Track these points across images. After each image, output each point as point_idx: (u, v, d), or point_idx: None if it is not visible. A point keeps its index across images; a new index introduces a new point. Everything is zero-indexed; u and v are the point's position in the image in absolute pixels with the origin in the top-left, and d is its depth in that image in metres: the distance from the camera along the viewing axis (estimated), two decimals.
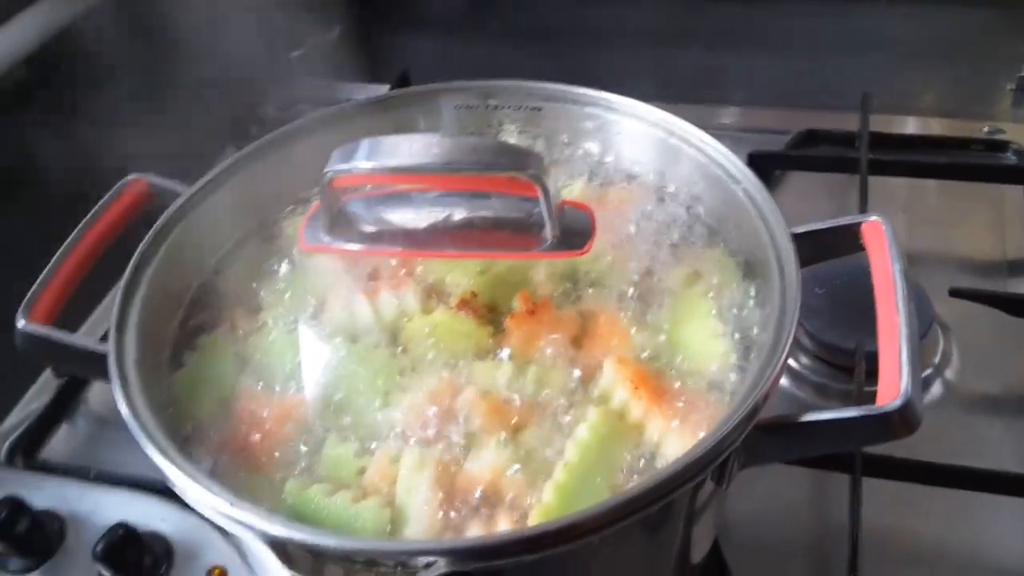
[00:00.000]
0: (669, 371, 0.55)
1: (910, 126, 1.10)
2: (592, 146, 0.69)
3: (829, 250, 0.59)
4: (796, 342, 0.70)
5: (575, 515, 0.44)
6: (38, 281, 0.58)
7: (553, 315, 0.57)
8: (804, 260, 0.55)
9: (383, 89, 1.05)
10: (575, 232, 0.55)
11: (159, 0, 0.98)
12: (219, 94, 1.08)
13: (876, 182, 0.95)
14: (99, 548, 0.66)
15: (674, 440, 0.51)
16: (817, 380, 0.80)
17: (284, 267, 0.62)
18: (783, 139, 1.06)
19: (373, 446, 0.53)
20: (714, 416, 0.52)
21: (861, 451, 0.70)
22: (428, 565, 0.44)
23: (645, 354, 0.56)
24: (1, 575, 0.70)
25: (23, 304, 0.56)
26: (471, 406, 0.53)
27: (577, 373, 0.55)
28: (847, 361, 0.78)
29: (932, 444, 0.70)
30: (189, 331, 0.60)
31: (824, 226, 0.58)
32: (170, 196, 0.64)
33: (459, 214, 0.57)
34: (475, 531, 0.49)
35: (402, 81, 1.13)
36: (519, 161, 0.53)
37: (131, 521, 0.68)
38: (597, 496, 0.49)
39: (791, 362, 0.81)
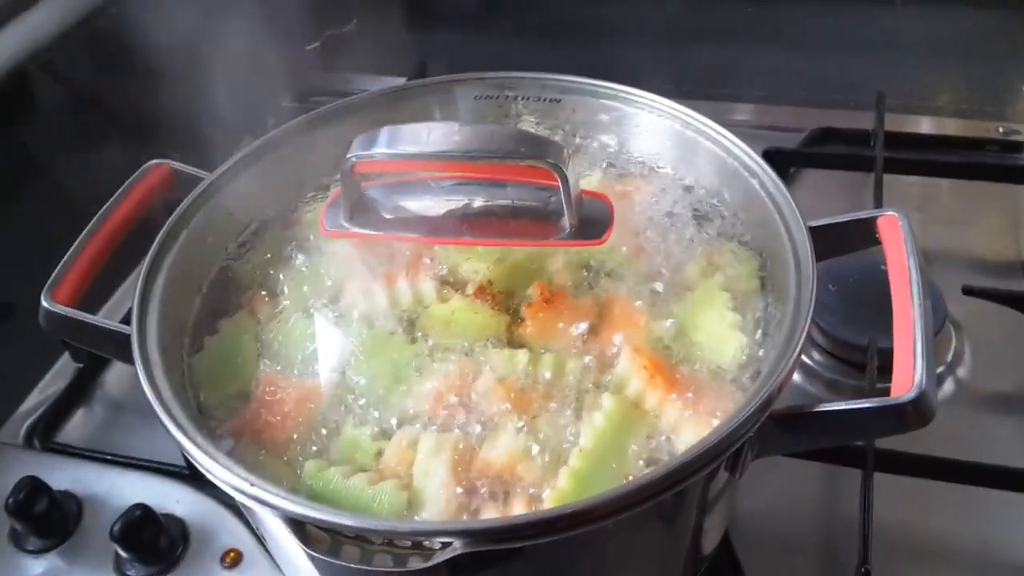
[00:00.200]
0: (684, 361, 0.56)
1: (925, 126, 1.10)
2: (610, 138, 0.69)
3: (844, 244, 0.59)
4: (809, 338, 0.70)
5: (590, 499, 0.45)
6: (62, 262, 0.59)
7: (569, 304, 0.58)
8: (819, 254, 0.55)
9: (399, 82, 1.06)
10: (593, 222, 0.56)
11: None
12: (237, 86, 1.09)
13: (890, 181, 0.95)
14: (116, 528, 0.66)
15: (689, 428, 0.52)
16: (829, 376, 0.81)
17: (303, 253, 0.63)
18: (797, 137, 1.06)
19: (390, 430, 0.53)
20: (729, 406, 0.53)
21: (873, 446, 0.70)
22: (444, 546, 0.44)
23: (661, 343, 0.56)
24: (19, 555, 0.71)
25: (47, 285, 0.57)
26: (487, 392, 0.54)
27: (593, 361, 0.56)
28: (859, 357, 0.79)
29: (943, 441, 0.70)
30: (209, 314, 0.61)
31: (840, 220, 0.58)
32: (191, 182, 0.65)
33: (477, 202, 0.58)
34: (490, 515, 0.50)
35: (419, 74, 1.13)
36: (539, 150, 0.53)
37: (147, 503, 0.69)
38: (612, 482, 0.49)
39: (803, 358, 0.81)
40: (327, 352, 0.57)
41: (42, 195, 0.99)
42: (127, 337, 0.54)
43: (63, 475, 0.75)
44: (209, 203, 0.63)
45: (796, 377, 0.81)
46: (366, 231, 0.58)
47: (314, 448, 0.54)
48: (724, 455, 0.47)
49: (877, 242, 0.58)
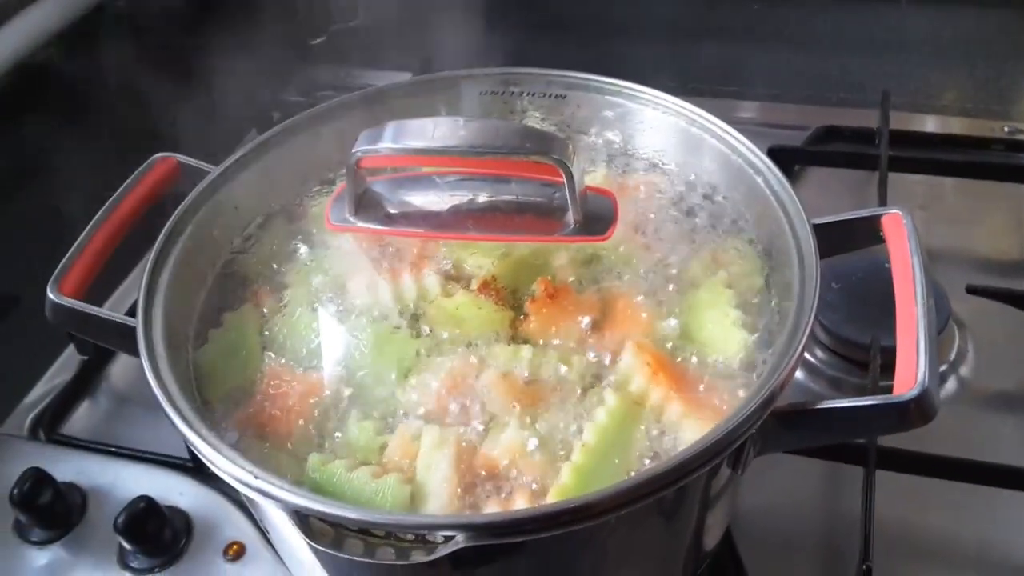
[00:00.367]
0: (688, 357, 0.56)
1: (929, 124, 1.10)
2: (614, 134, 0.69)
3: (849, 242, 0.59)
4: (812, 336, 0.71)
5: (593, 494, 0.45)
6: (68, 254, 0.59)
7: (573, 300, 0.58)
8: (823, 251, 0.55)
9: (404, 78, 1.06)
10: (598, 218, 0.56)
11: None
12: (243, 80, 1.10)
13: (894, 179, 0.95)
14: (120, 520, 0.67)
15: (691, 425, 0.52)
16: (832, 374, 0.81)
17: (308, 247, 0.63)
18: (802, 135, 1.07)
19: (394, 424, 0.54)
20: (731, 402, 0.53)
21: (875, 444, 0.70)
22: (447, 539, 0.44)
23: (664, 340, 0.56)
24: (24, 546, 0.72)
25: (53, 276, 0.58)
26: (491, 387, 0.54)
27: (596, 357, 0.56)
28: (862, 355, 0.79)
29: (945, 439, 0.70)
30: (214, 308, 0.61)
31: (844, 217, 0.58)
32: (197, 175, 0.65)
33: (482, 197, 0.58)
34: (492, 509, 0.50)
35: (424, 70, 1.13)
36: (544, 145, 0.53)
37: (151, 495, 0.69)
38: (614, 478, 0.50)
39: (806, 356, 0.81)
40: (331, 346, 0.57)
41: (46, 189, 1.00)
42: (133, 329, 0.55)
43: (67, 467, 0.76)
44: (215, 196, 0.63)
45: (799, 375, 0.81)
46: (371, 226, 0.58)
47: (318, 441, 0.54)
48: (726, 452, 0.48)
49: (881, 240, 0.59)
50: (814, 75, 1.17)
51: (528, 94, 0.71)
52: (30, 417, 0.84)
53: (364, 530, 0.47)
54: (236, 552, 0.69)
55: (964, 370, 0.81)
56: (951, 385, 0.80)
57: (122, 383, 0.88)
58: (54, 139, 1.03)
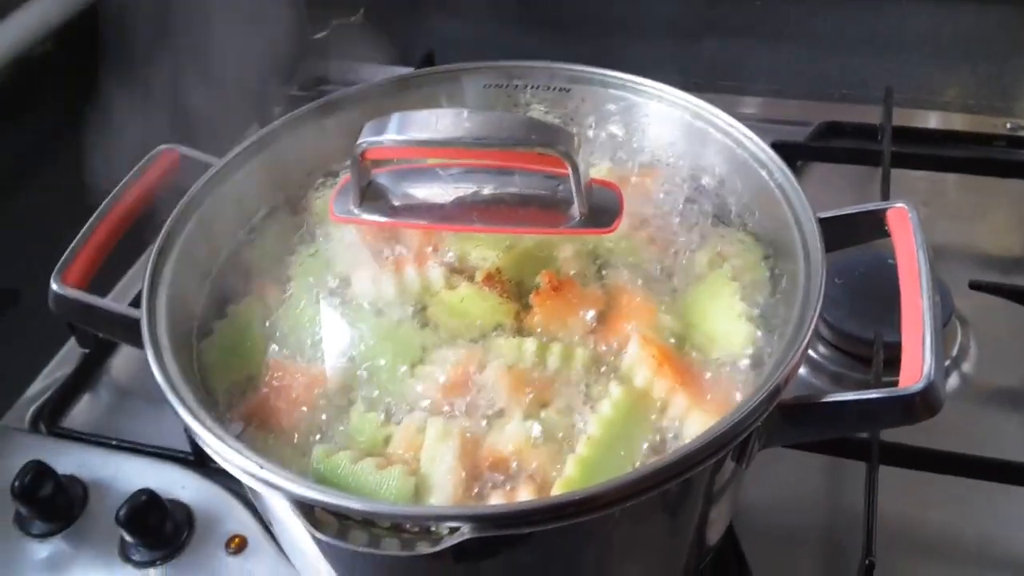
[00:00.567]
0: (692, 351, 0.56)
1: (932, 121, 1.10)
2: (619, 128, 0.69)
3: (854, 235, 0.59)
4: (814, 331, 0.71)
5: (599, 486, 0.45)
6: (72, 245, 0.59)
7: (578, 293, 0.58)
8: (828, 245, 0.55)
9: (407, 72, 1.06)
10: (603, 210, 0.56)
11: None
12: (244, 75, 1.09)
13: (897, 175, 0.95)
14: (122, 513, 0.67)
15: (696, 417, 0.52)
16: (834, 369, 0.81)
17: (312, 239, 0.63)
18: (804, 131, 1.07)
19: (398, 416, 0.53)
20: (736, 396, 0.53)
21: (878, 439, 0.70)
22: (452, 531, 0.44)
23: (669, 333, 0.56)
24: (24, 538, 0.72)
25: (57, 268, 0.57)
26: (495, 379, 0.54)
27: (601, 350, 0.56)
28: (865, 351, 0.79)
29: (948, 435, 0.70)
30: (218, 300, 0.61)
31: (849, 211, 0.58)
32: (200, 167, 0.65)
33: (487, 190, 0.58)
34: (497, 501, 0.50)
35: (426, 65, 1.13)
36: (550, 137, 0.53)
37: (153, 488, 0.69)
38: (619, 470, 0.50)
39: (809, 351, 0.81)
40: (335, 338, 0.57)
41: (47, 182, 0.99)
42: (136, 321, 0.54)
43: (68, 460, 0.76)
44: (219, 188, 0.63)
45: (800, 370, 0.80)
46: (376, 218, 0.58)
47: (322, 433, 0.54)
48: (731, 445, 0.48)
49: (886, 234, 0.58)
50: (815, 72, 1.16)
51: (532, 87, 0.71)
52: (31, 410, 0.84)
53: (369, 521, 0.47)
54: (238, 545, 0.69)
55: (966, 366, 0.81)
56: (953, 381, 0.80)
57: (123, 376, 0.88)
58: (53, 133, 1.03)
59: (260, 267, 0.62)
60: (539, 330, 0.57)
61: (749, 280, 0.58)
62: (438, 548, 0.44)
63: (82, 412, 0.84)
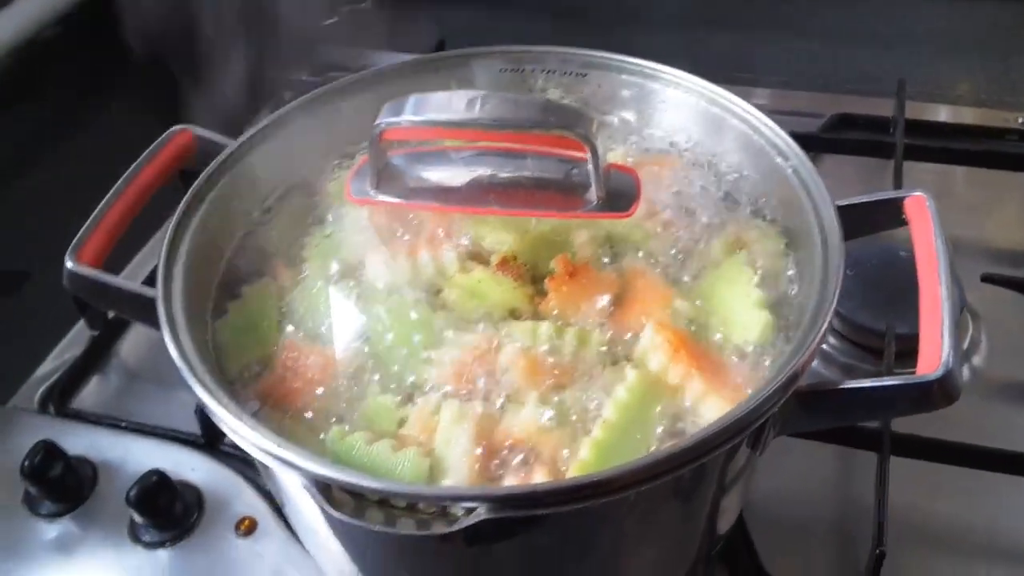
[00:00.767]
0: (708, 336, 0.55)
1: (943, 114, 1.09)
2: (635, 113, 0.69)
3: (870, 224, 0.59)
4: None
5: (615, 468, 0.45)
6: (86, 224, 0.59)
7: (593, 278, 0.58)
8: (845, 234, 0.55)
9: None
10: (620, 194, 0.56)
11: None
12: (254, 60, 1.09)
13: (908, 168, 0.95)
14: (133, 493, 0.67)
15: (712, 403, 0.52)
16: (845, 361, 0.81)
17: (327, 221, 0.63)
18: (816, 122, 1.06)
19: (413, 398, 0.53)
20: (752, 381, 0.53)
21: (889, 429, 0.70)
22: (468, 512, 0.44)
23: (685, 319, 0.56)
24: (33, 518, 0.72)
25: (71, 246, 0.57)
26: (510, 363, 0.54)
27: (616, 335, 0.56)
28: (876, 342, 0.79)
29: (958, 428, 0.70)
30: (233, 280, 0.60)
31: (868, 199, 0.58)
32: (214, 148, 0.65)
33: (503, 173, 0.57)
34: (512, 483, 0.50)
35: (437, 51, 1.13)
36: (569, 120, 0.53)
37: (163, 470, 0.69)
38: (634, 454, 0.49)
39: None
40: (351, 320, 0.57)
41: (56, 164, 0.99)
42: (151, 300, 0.54)
43: (78, 440, 0.76)
44: (233, 169, 0.63)
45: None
46: (392, 199, 0.58)
47: (336, 415, 0.54)
48: (748, 430, 0.47)
49: (903, 223, 0.58)
50: (828, 64, 1.16)
51: (547, 71, 0.70)
52: (40, 391, 0.84)
53: (385, 501, 0.46)
54: (248, 527, 0.69)
55: (977, 359, 0.81)
56: (964, 374, 0.80)
57: (132, 359, 0.88)
58: (62, 116, 1.03)
59: (275, 248, 0.62)
60: (554, 315, 0.57)
61: (766, 267, 0.58)
62: (454, 528, 0.44)
63: (91, 394, 0.85)
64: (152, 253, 0.96)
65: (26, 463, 0.70)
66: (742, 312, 0.56)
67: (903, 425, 0.71)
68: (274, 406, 0.54)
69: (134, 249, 0.97)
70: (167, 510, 0.68)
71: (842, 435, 0.72)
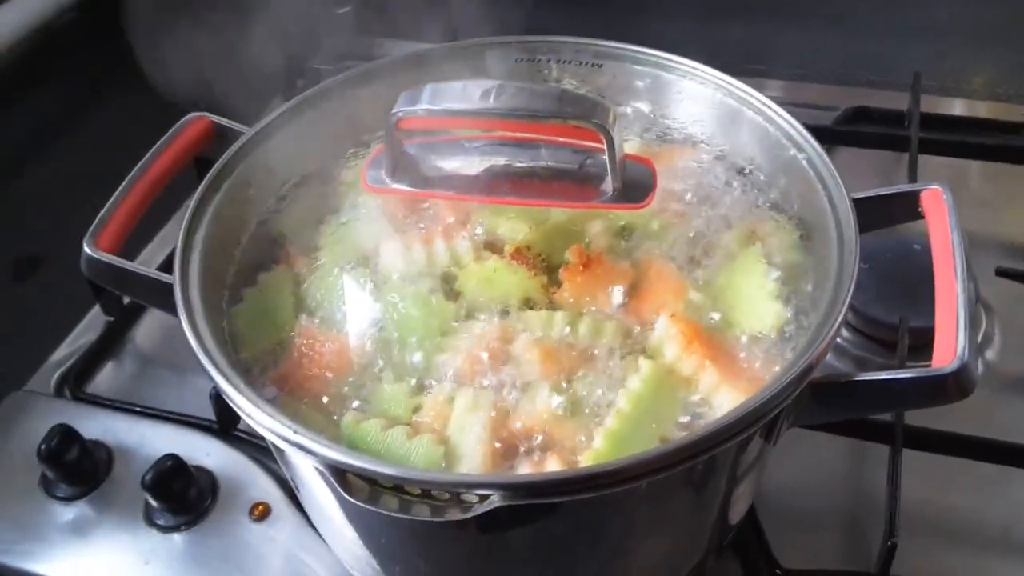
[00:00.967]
0: (723, 328, 0.56)
1: (959, 108, 1.09)
2: (651, 104, 0.69)
3: (886, 217, 0.59)
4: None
5: (628, 458, 0.45)
6: (103, 211, 0.59)
7: (607, 269, 0.58)
8: (860, 227, 0.55)
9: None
10: (636, 185, 0.56)
11: None
12: (267, 48, 1.09)
13: (923, 162, 0.95)
14: (148, 477, 0.67)
15: (726, 394, 0.52)
16: (858, 353, 0.81)
17: (342, 209, 0.63)
18: (830, 115, 1.06)
19: (428, 386, 0.54)
20: (765, 373, 0.53)
21: (902, 422, 0.70)
22: (482, 499, 0.44)
23: (699, 311, 0.56)
24: (49, 501, 0.72)
25: (89, 232, 0.58)
26: (525, 351, 0.54)
27: (630, 325, 0.56)
28: (889, 336, 0.79)
29: (970, 421, 0.70)
30: (248, 267, 0.61)
31: (884, 192, 0.58)
32: (231, 135, 0.65)
33: (519, 163, 0.57)
34: (526, 472, 0.50)
35: (451, 40, 1.12)
36: (586, 110, 0.53)
37: (178, 454, 0.70)
38: (647, 444, 0.50)
39: None
40: (366, 307, 0.57)
41: (72, 150, 1.00)
42: (168, 286, 0.55)
43: (94, 425, 0.76)
44: (249, 157, 0.63)
45: None
46: (408, 188, 0.58)
47: (352, 401, 0.54)
48: (762, 421, 0.47)
49: (919, 216, 0.58)
50: (843, 57, 1.15)
51: (563, 61, 0.70)
52: (56, 375, 0.84)
53: (399, 488, 0.47)
54: (261, 512, 0.70)
55: (990, 353, 0.81)
56: (978, 367, 0.80)
57: (147, 345, 0.88)
58: (77, 102, 1.03)
59: (290, 236, 0.62)
60: (568, 305, 0.57)
61: (781, 259, 0.58)
62: (468, 515, 0.44)
63: (106, 379, 0.85)
64: (166, 240, 0.96)
65: (43, 447, 0.70)
66: (757, 304, 0.56)
67: (915, 418, 0.71)
68: (290, 392, 0.54)
69: (148, 235, 0.97)
70: (182, 494, 0.69)
71: (854, 427, 0.72)
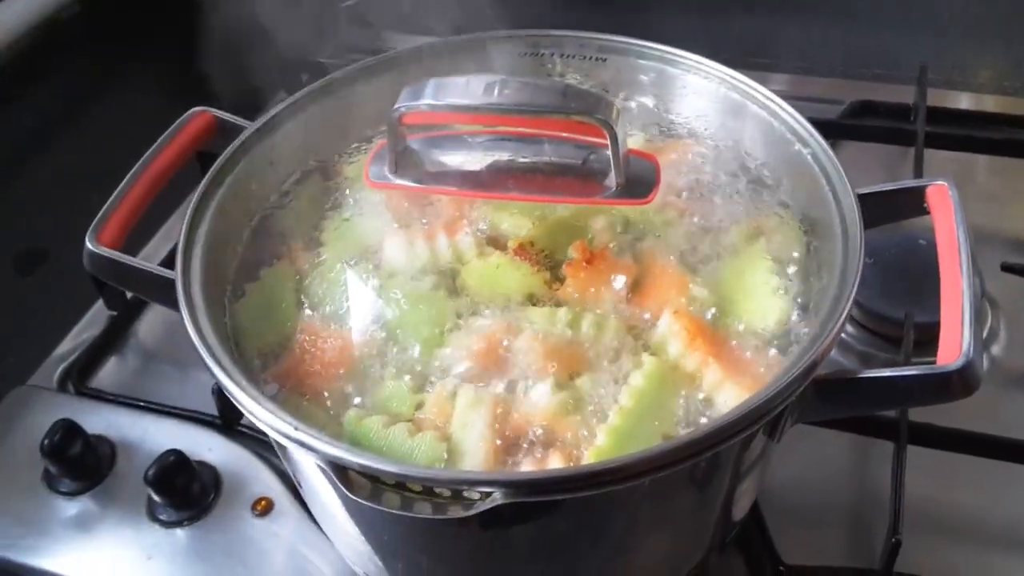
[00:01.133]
0: (726, 324, 0.55)
1: (965, 102, 1.08)
2: (653, 99, 0.69)
3: (891, 213, 0.59)
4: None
5: (631, 455, 0.45)
6: (105, 206, 0.59)
7: (610, 264, 0.58)
8: (866, 222, 0.55)
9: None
10: (639, 181, 0.56)
11: None
12: (271, 41, 1.09)
13: (929, 156, 0.94)
14: (151, 473, 0.67)
15: (729, 391, 0.52)
16: (862, 349, 0.80)
17: (344, 205, 0.63)
18: (835, 109, 1.05)
19: (430, 382, 0.54)
20: (769, 370, 0.53)
21: (906, 418, 0.70)
22: (484, 496, 0.44)
23: (702, 307, 0.56)
24: (52, 496, 0.72)
25: (92, 227, 0.58)
26: (527, 348, 0.54)
27: (633, 321, 0.56)
28: (894, 331, 0.78)
29: (975, 417, 0.70)
30: (251, 263, 0.61)
31: (890, 188, 0.58)
32: (233, 130, 0.65)
33: (521, 158, 0.57)
34: (528, 469, 0.50)
35: (454, 35, 1.12)
36: (589, 105, 0.53)
37: (181, 449, 0.70)
38: (650, 441, 0.50)
39: None
40: (368, 303, 0.57)
41: (75, 143, 1.00)
42: (170, 281, 0.55)
43: (97, 419, 0.76)
44: (252, 152, 0.63)
45: None
46: (410, 184, 0.58)
47: (354, 398, 0.54)
48: (766, 418, 0.47)
49: (924, 212, 0.58)
50: (848, 50, 1.15)
51: (567, 56, 0.70)
52: (59, 370, 0.84)
53: (401, 485, 0.47)
54: (264, 508, 0.70)
55: (996, 349, 0.81)
56: (983, 363, 0.79)
57: (150, 340, 0.88)
58: (81, 95, 1.03)
59: (293, 231, 0.62)
60: (571, 301, 0.57)
61: (785, 255, 0.58)
62: (470, 513, 0.44)
63: (109, 374, 0.85)
64: (168, 235, 0.96)
65: (46, 441, 0.70)
66: (760, 300, 0.56)
67: (920, 414, 0.71)
68: (292, 388, 0.54)
69: (151, 230, 0.97)
70: (184, 490, 0.69)
71: (859, 424, 0.72)
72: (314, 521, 0.67)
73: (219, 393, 0.74)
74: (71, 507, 0.72)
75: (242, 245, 0.61)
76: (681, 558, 0.61)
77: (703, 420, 0.51)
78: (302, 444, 0.46)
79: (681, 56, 0.68)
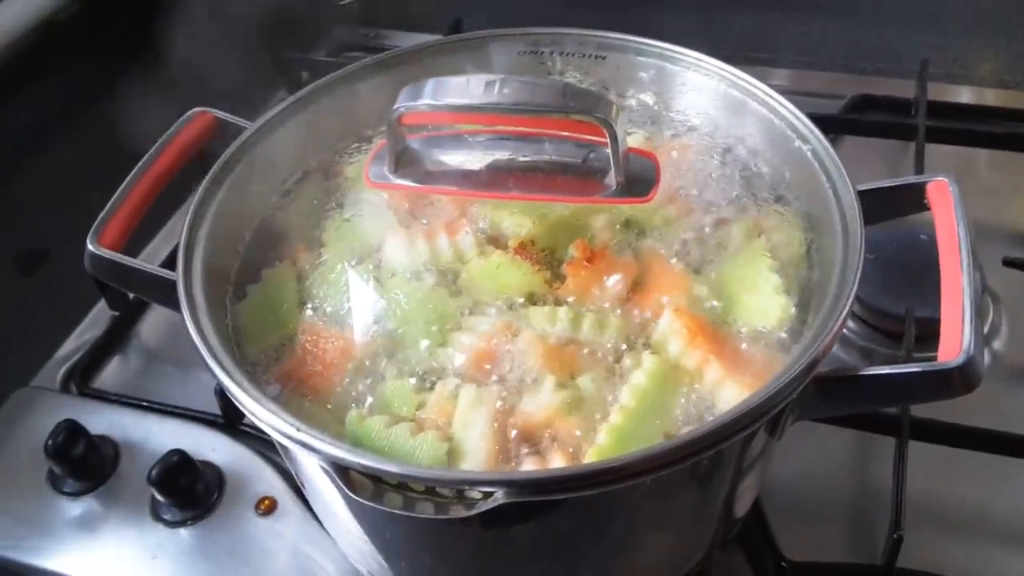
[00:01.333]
0: (727, 322, 0.55)
1: (966, 96, 1.08)
2: (653, 96, 0.68)
3: (892, 209, 0.59)
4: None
5: (632, 454, 0.45)
6: (106, 207, 0.59)
7: (611, 263, 0.57)
8: (866, 218, 0.55)
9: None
10: (639, 179, 0.56)
11: None
12: (272, 40, 1.09)
13: (930, 151, 0.94)
14: (154, 473, 0.68)
15: (730, 389, 0.52)
16: (863, 344, 0.80)
17: (346, 204, 0.63)
18: (836, 104, 1.06)
19: (432, 382, 0.54)
20: (770, 368, 0.53)
21: (908, 414, 0.70)
22: (486, 496, 0.44)
23: (703, 305, 0.56)
24: (57, 496, 0.73)
25: (93, 229, 0.58)
26: (528, 347, 0.54)
27: (634, 320, 0.56)
28: (895, 327, 0.78)
29: (976, 412, 0.70)
30: (252, 263, 0.61)
31: (890, 184, 0.58)
32: (234, 131, 0.65)
33: (521, 157, 0.57)
34: (529, 468, 0.50)
35: (454, 32, 1.12)
36: (588, 104, 0.53)
37: (184, 449, 0.70)
38: (652, 440, 0.50)
39: None
40: (369, 304, 0.57)
41: (75, 143, 1.00)
42: (172, 283, 0.55)
43: (100, 420, 0.77)
44: (252, 152, 0.63)
45: None
46: (411, 183, 0.58)
47: (355, 398, 0.54)
48: (767, 416, 0.47)
49: (925, 208, 0.58)
50: (849, 44, 1.15)
51: (566, 54, 0.70)
52: (62, 371, 0.85)
53: (403, 485, 0.47)
54: (268, 507, 0.70)
55: (997, 343, 0.81)
56: (985, 359, 0.79)
57: (152, 340, 0.89)
58: (80, 95, 1.03)
59: (294, 232, 0.62)
60: (572, 300, 0.57)
61: (785, 252, 0.58)
62: (472, 512, 0.44)
63: (112, 374, 0.85)
64: (169, 235, 0.96)
65: (49, 442, 0.70)
66: (761, 298, 0.56)
67: (922, 410, 0.71)
68: (294, 389, 0.54)
69: (152, 230, 0.97)
70: (188, 489, 0.69)
71: (860, 420, 0.72)
72: (317, 520, 0.67)
73: (221, 393, 0.74)
74: (75, 507, 0.72)
75: (243, 246, 0.61)
76: (683, 556, 0.61)
77: (704, 419, 0.51)
78: (304, 445, 0.46)
79: (681, 53, 0.68)
